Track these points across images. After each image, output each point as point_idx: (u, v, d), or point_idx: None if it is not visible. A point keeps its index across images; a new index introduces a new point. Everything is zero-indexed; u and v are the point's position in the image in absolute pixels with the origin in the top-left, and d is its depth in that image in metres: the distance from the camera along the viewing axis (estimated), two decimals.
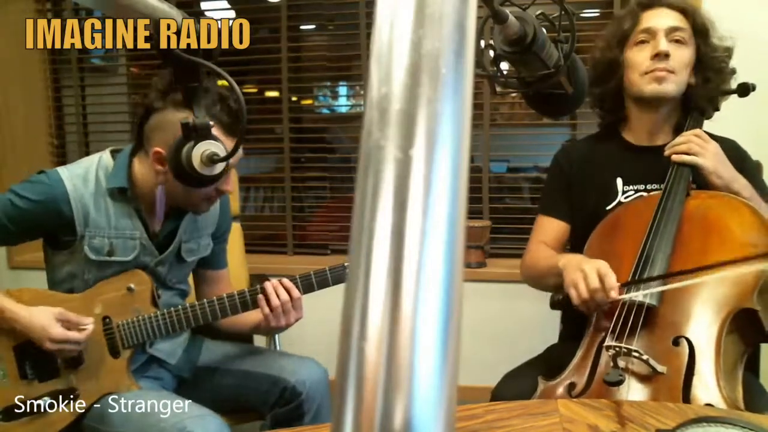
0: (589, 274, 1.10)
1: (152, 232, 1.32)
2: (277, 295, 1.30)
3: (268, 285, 1.31)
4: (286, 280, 1.32)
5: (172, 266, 1.37)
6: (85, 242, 1.26)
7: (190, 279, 1.51)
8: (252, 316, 1.39)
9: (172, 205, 1.29)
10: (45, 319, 1.20)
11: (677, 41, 1.28)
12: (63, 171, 1.26)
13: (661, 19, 1.29)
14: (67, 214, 1.23)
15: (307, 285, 1.32)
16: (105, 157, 1.31)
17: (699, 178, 1.23)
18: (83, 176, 1.26)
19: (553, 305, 1.41)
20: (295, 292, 1.31)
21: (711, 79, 1.29)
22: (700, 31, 1.28)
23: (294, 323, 1.34)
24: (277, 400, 1.39)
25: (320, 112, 2.99)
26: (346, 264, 1.32)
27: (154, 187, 1.26)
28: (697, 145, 1.22)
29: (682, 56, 1.27)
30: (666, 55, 1.26)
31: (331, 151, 2.79)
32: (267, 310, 1.30)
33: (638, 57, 1.30)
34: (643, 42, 1.30)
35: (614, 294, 1.08)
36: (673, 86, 1.28)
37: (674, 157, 1.22)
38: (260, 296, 1.30)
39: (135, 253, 1.30)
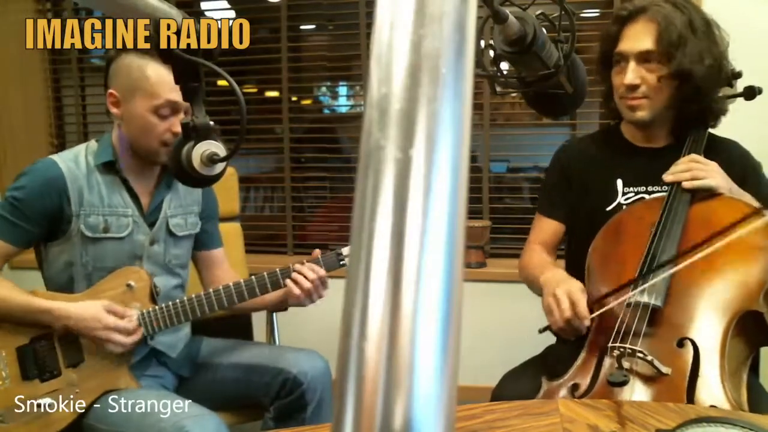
0: (561, 300, 1.12)
1: (142, 208, 1.37)
2: (306, 277, 1.35)
3: (296, 274, 1.35)
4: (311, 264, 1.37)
5: (167, 244, 1.40)
6: (81, 221, 1.30)
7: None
8: (269, 296, 1.42)
9: (135, 152, 1.35)
10: (96, 310, 1.25)
11: (649, 61, 1.24)
12: (54, 157, 1.32)
13: (633, 41, 1.25)
14: (65, 193, 1.28)
15: (287, 277, 1.36)
16: (91, 143, 1.37)
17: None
18: (74, 159, 1.32)
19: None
20: (321, 272, 1.36)
21: (701, 89, 1.23)
22: (674, 47, 1.21)
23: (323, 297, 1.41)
24: (279, 392, 1.40)
25: (325, 112, 2.98)
26: (338, 251, 1.38)
27: (136, 153, 1.34)
28: (699, 170, 1.20)
29: (654, 79, 1.24)
30: (635, 86, 1.25)
31: (332, 151, 2.79)
32: (297, 291, 1.35)
33: (616, 81, 1.30)
34: (619, 63, 1.28)
35: (586, 323, 1.10)
36: (646, 112, 1.27)
37: (686, 184, 1.19)
38: (290, 279, 1.35)
39: (129, 230, 1.34)
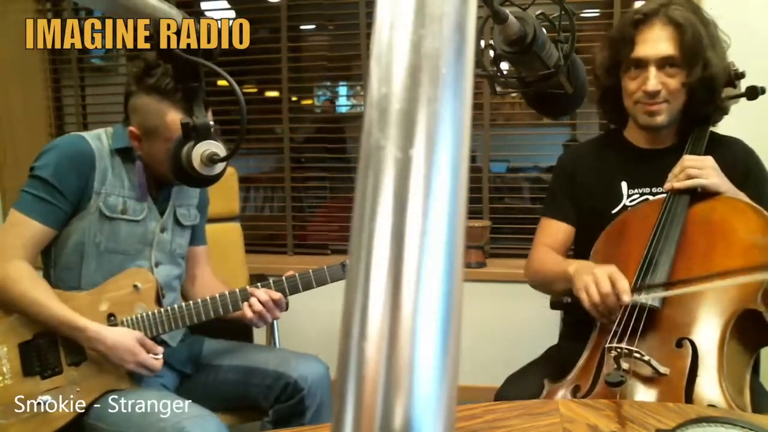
0: (600, 278, 1.09)
1: (154, 197, 1.39)
2: (259, 299, 1.36)
3: (254, 300, 1.36)
4: (271, 292, 1.37)
5: (174, 232, 1.43)
6: (101, 200, 1.31)
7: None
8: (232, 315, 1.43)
9: (153, 175, 1.37)
10: (131, 342, 1.26)
11: (669, 66, 1.24)
12: (79, 133, 1.33)
13: (653, 45, 1.23)
14: (93, 169, 1.29)
15: (293, 287, 1.38)
16: (108, 129, 1.39)
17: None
18: (98, 138, 1.34)
19: (554, 305, 1.41)
20: (276, 295, 1.37)
21: (713, 90, 1.24)
22: (698, 52, 1.21)
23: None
24: (279, 396, 1.41)
25: (338, 112, 2.97)
26: (326, 266, 1.39)
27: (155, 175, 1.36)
28: (694, 168, 1.18)
29: (675, 84, 1.24)
30: (656, 92, 1.24)
31: (332, 151, 2.79)
32: (250, 314, 1.36)
33: (631, 86, 1.27)
34: (636, 68, 1.26)
35: (626, 297, 1.06)
36: (665, 116, 1.26)
37: (677, 185, 1.18)
38: (245, 303, 1.36)
39: (143, 215, 1.36)
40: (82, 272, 1.32)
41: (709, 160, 1.21)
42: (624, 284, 1.07)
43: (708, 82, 1.23)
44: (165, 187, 1.42)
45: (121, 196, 1.33)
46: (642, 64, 1.25)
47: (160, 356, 1.29)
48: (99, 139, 1.33)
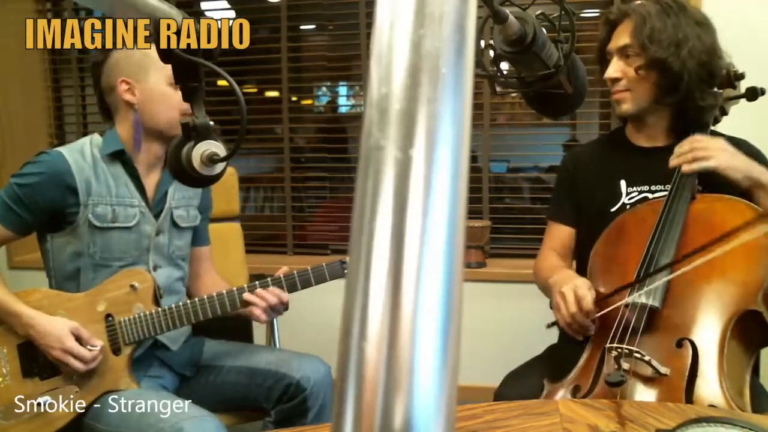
0: (567, 297, 1.12)
1: (148, 199, 1.38)
2: (265, 300, 1.35)
3: (252, 297, 1.35)
4: (273, 289, 1.36)
5: (171, 234, 1.41)
6: (89, 211, 1.30)
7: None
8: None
9: (153, 131, 1.35)
10: (61, 329, 1.24)
11: (628, 56, 1.28)
12: (62, 149, 1.33)
13: (616, 38, 1.30)
14: (72, 184, 1.29)
15: (291, 284, 1.37)
16: (94, 136, 1.38)
17: (716, 179, 1.20)
18: (80, 151, 1.33)
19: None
20: (284, 296, 1.36)
21: (681, 81, 1.23)
22: (648, 38, 1.24)
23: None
24: (281, 396, 1.41)
25: (340, 112, 2.97)
26: (325, 264, 1.37)
27: (156, 133, 1.35)
28: (701, 149, 1.19)
29: (633, 72, 1.27)
30: (616, 80, 1.29)
31: (332, 151, 2.79)
32: (258, 311, 1.35)
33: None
34: (609, 61, 1.32)
35: (592, 316, 1.11)
36: (630, 105, 1.30)
37: (685, 168, 1.19)
38: (250, 298, 1.35)
39: (136, 220, 1.35)
40: (80, 282, 1.33)
41: (718, 142, 1.21)
42: (588, 304, 1.10)
43: (664, 68, 1.23)
44: (161, 187, 1.40)
45: (109, 204, 1.32)
46: (610, 56, 1.32)
47: (97, 348, 1.26)
48: (81, 151, 1.33)
